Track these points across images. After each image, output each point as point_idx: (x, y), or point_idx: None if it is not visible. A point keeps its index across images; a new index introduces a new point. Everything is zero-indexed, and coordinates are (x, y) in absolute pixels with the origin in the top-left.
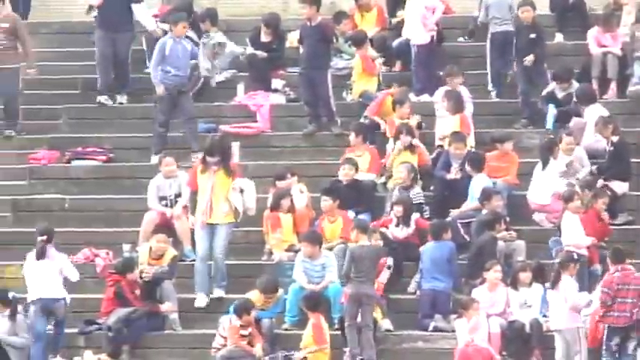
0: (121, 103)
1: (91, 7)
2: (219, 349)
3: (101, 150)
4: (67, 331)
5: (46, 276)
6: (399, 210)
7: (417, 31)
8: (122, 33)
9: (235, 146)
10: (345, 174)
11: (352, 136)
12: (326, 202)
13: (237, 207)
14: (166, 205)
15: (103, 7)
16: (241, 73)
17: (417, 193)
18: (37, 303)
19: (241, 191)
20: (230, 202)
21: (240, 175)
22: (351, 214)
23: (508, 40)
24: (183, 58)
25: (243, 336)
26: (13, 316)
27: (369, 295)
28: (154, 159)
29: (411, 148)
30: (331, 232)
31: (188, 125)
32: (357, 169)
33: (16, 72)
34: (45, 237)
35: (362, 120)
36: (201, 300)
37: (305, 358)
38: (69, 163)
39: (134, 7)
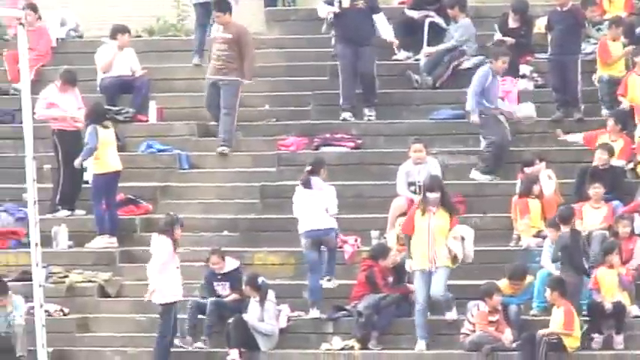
0: (370, 118)
1: (329, 22)
2: (467, 335)
3: (349, 137)
4: (315, 316)
5: (314, 207)
6: None
7: None
8: (365, 46)
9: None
10: (599, 158)
11: (611, 123)
12: (596, 189)
13: (457, 254)
14: (414, 192)
15: (342, 20)
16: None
17: None
18: (307, 235)
19: (462, 239)
20: (450, 249)
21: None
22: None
23: None
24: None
25: (491, 322)
26: (262, 302)
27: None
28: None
29: None
30: (594, 218)
31: None
32: (612, 155)
33: (235, 84)
34: (310, 168)
35: (621, 106)
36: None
37: (553, 335)
38: (317, 149)
39: (375, 17)
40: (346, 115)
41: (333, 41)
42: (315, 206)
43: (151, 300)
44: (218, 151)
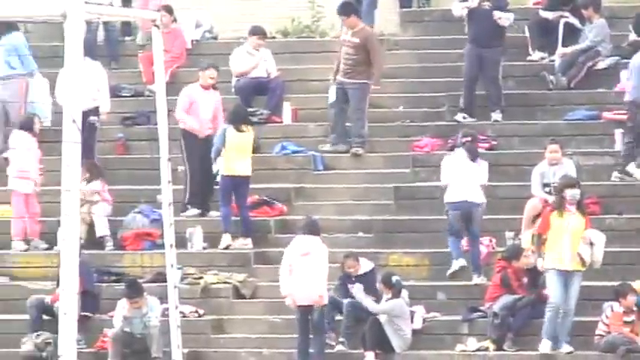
0: (496, 121)
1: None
2: (602, 336)
3: (485, 137)
4: (449, 318)
5: (467, 178)
6: None
7: None
8: (490, 48)
9: None
10: None
11: None
12: None
13: (584, 258)
14: (549, 193)
15: (470, 20)
16: (625, 60)
17: None
18: (456, 206)
19: (591, 244)
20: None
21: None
22: None
23: None
24: None
25: (626, 323)
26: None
27: None
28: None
29: None
30: None
31: None
32: None
33: (363, 88)
34: (470, 138)
35: None
36: None
37: None
38: (452, 150)
39: (496, 13)
40: (460, 116)
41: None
42: (468, 177)
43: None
44: (352, 152)
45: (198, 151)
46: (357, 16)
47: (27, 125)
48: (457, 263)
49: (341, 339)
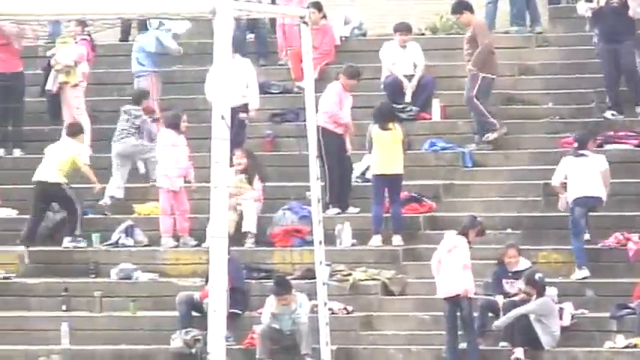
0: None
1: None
2: None
3: (634, 134)
4: (598, 315)
5: (588, 174)
6: None
7: None
8: (624, 43)
9: None
10: None
11: None
12: None
13: None
14: None
15: (599, 19)
16: None
17: None
18: (579, 202)
19: None
20: None
21: None
22: None
23: None
24: None
25: None
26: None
27: None
28: None
29: None
30: None
31: None
32: None
33: (472, 77)
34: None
35: None
36: None
37: None
38: (601, 147)
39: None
40: (608, 113)
41: (595, 40)
42: (589, 173)
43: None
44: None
45: (336, 149)
46: (470, 12)
47: (173, 123)
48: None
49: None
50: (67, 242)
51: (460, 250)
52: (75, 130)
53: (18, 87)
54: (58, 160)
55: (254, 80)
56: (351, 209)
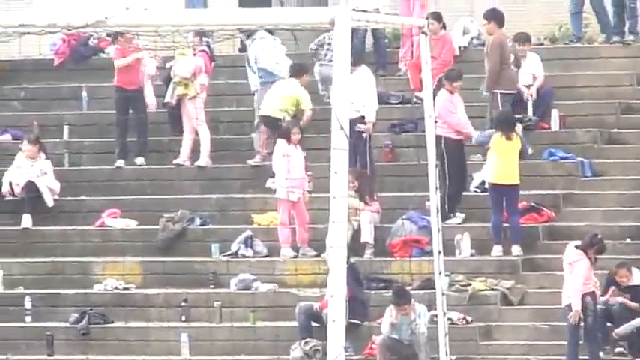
0: None
1: None
2: None
3: None
4: None
5: None
6: None
7: None
8: None
9: None
10: None
11: None
12: None
13: None
14: None
15: None
16: None
17: None
18: None
19: None
20: None
21: None
22: None
23: None
24: None
25: None
26: None
27: None
28: None
29: None
30: None
31: None
32: None
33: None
34: None
35: None
36: None
37: None
38: None
39: None
40: None
41: None
42: None
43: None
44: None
45: (457, 158)
46: (496, 24)
47: (285, 133)
48: None
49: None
50: None
51: (580, 265)
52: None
53: (141, 99)
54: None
55: (373, 91)
56: (456, 219)
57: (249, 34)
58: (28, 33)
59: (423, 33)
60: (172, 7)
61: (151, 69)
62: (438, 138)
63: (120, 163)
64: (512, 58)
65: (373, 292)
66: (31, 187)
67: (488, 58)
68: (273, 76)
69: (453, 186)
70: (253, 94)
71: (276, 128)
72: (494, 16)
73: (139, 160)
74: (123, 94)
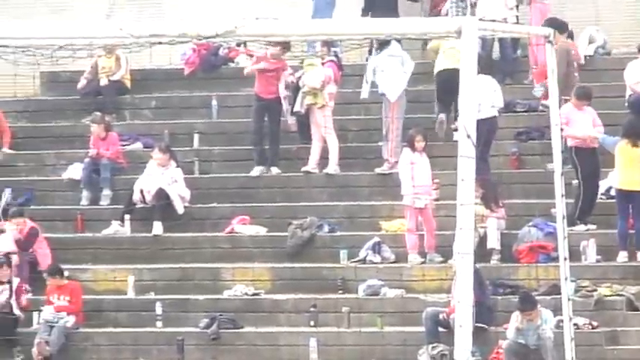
0: None
1: None
2: None
3: None
4: None
5: None
6: None
7: None
8: None
9: None
10: None
11: None
12: None
13: None
14: None
15: None
16: None
17: None
18: None
19: None
20: None
21: None
22: None
23: None
24: None
25: None
26: None
27: None
28: None
29: None
30: None
31: None
32: None
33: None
34: None
35: None
36: None
37: None
38: None
39: None
40: None
41: None
42: None
43: None
44: None
45: (590, 166)
46: (560, 33)
47: (408, 142)
48: None
49: None
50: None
51: None
52: None
53: (276, 108)
54: None
55: (499, 99)
56: (581, 226)
57: (381, 45)
58: (159, 43)
59: (549, 42)
60: (301, 16)
61: (287, 79)
62: (570, 149)
63: (257, 170)
64: (575, 64)
65: (499, 297)
66: (161, 195)
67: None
68: (382, 96)
69: (586, 196)
70: (381, 103)
71: None
72: (557, 26)
73: (274, 170)
74: (261, 103)
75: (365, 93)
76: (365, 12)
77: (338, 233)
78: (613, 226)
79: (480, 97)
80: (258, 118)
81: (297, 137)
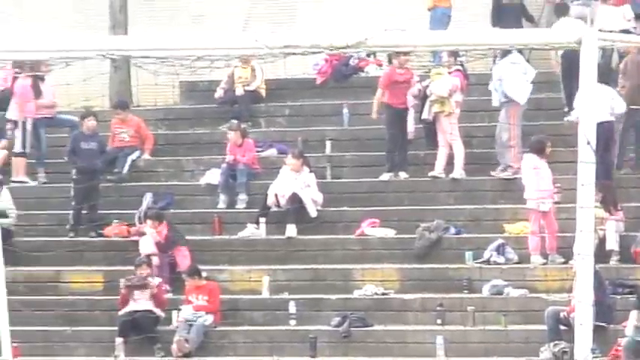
0: None
1: None
2: None
3: None
4: None
5: None
6: None
7: None
8: None
9: None
10: None
11: None
12: None
13: None
14: None
15: None
16: None
17: None
18: None
19: None
20: None
21: None
22: None
23: None
24: None
25: None
26: None
27: None
28: None
29: None
30: None
31: None
32: None
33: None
34: None
35: None
36: None
37: None
38: None
39: None
40: None
41: None
42: None
43: None
44: None
45: None
46: None
47: (537, 148)
48: None
49: None
50: None
51: None
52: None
53: (405, 117)
54: None
55: (619, 106)
56: None
57: (504, 54)
58: (293, 53)
59: None
60: (424, 27)
61: (415, 89)
62: None
63: (386, 176)
64: None
65: (619, 297)
66: (295, 199)
67: (625, 76)
68: (512, 102)
69: None
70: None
71: None
72: None
73: (402, 175)
74: (392, 111)
75: (495, 101)
76: (494, 23)
77: (464, 235)
78: None
79: (597, 105)
80: (392, 127)
81: (424, 143)
